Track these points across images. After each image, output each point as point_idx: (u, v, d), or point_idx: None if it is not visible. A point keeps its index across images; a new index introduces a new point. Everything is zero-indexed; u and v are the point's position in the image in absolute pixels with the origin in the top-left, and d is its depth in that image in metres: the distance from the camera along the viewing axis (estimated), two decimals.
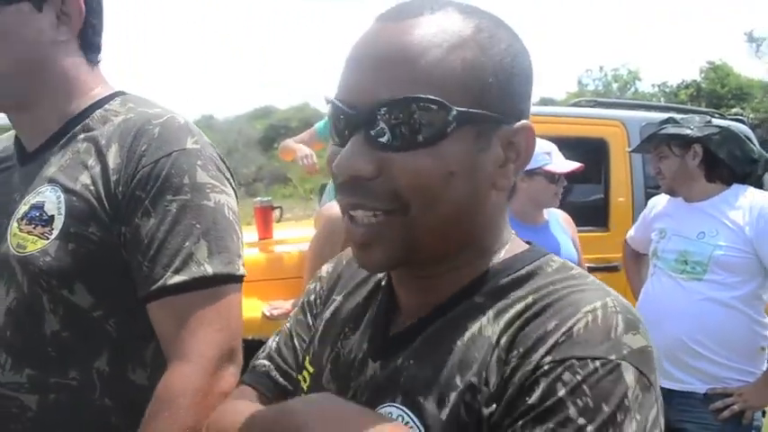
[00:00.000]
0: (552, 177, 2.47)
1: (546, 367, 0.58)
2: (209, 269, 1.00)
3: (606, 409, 0.56)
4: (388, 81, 0.62)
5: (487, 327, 0.64)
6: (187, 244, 1.00)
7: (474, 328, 0.65)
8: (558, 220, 2.68)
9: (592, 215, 3.43)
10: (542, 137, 2.60)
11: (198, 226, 1.01)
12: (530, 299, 0.64)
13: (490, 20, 0.66)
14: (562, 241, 2.57)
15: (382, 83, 0.62)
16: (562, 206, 2.70)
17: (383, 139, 0.62)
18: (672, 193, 2.39)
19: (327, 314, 0.82)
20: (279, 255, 3.01)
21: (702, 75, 24.71)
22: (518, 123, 0.66)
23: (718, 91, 23.37)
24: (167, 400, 0.96)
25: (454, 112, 0.61)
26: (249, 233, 3.42)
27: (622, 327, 0.60)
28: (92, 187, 1.02)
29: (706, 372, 2.19)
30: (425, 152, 0.62)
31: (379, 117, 0.62)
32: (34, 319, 1.03)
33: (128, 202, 1.01)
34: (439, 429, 0.62)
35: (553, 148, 2.52)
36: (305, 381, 0.80)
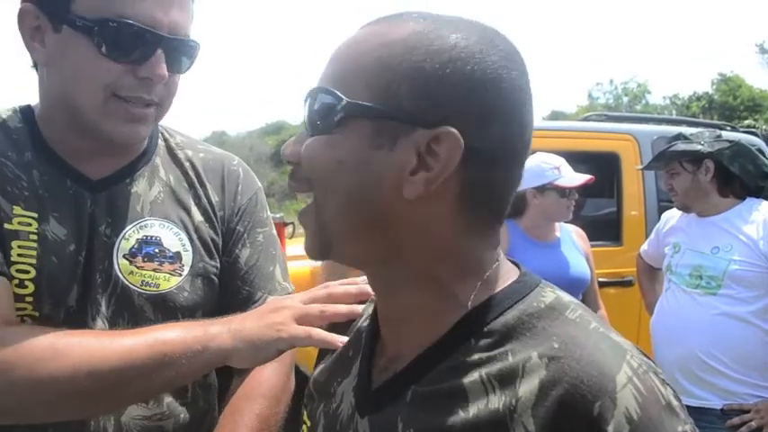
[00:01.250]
0: (563, 192, 2.47)
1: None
2: (288, 285, 1.20)
3: None
4: (321, 77, 0.66)
5: (493, 398, 0.58)
6: (271, 269, 1.18)
7: (477, 398, 0.59)
8: (571, 236, 2.67)
9: (605, 229, 3.41)
10: (554, 151, 2.61)
11: (274, 252, 1.20)
12: (540, 366, 0.58)
13: (440, 25, 0.63)
14: (572, 259, 2.56)
15: (321, 77, 0.66)
16: (574, 221, 2.70)
17: (309, 128, 0.66)
18: (686, 209, 2.38)
19: (320, 367, 0.82)
20: (291, 271, 3.01)
21: (714, 87, 24.64)
22: (439, 128, 0.60)
23: (730, 103, 23.29)
24: (267, 392, 1.10)
25: (343, 102, 0.62)
26: None
27: (661, 387, 0.57)
28: (207, 224, 1.12)
29: (722, 387, 2.17)
30: (321, 139, 0.64)
31: (306, 108, 0.66)
32: None
33: (231, 235, 1.15)
34: None
35: (562, 162, 2.52)
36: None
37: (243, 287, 1.15)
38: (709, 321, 2.17)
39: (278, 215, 3.48)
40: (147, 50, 0.98)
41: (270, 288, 1.16)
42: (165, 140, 1.16)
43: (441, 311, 0.65)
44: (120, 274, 1.04)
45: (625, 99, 30.51)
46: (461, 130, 0.60)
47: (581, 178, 2.49)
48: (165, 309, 1.06)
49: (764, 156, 2.35)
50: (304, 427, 0.80)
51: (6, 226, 0.98)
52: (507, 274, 0.67)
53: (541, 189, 2.50)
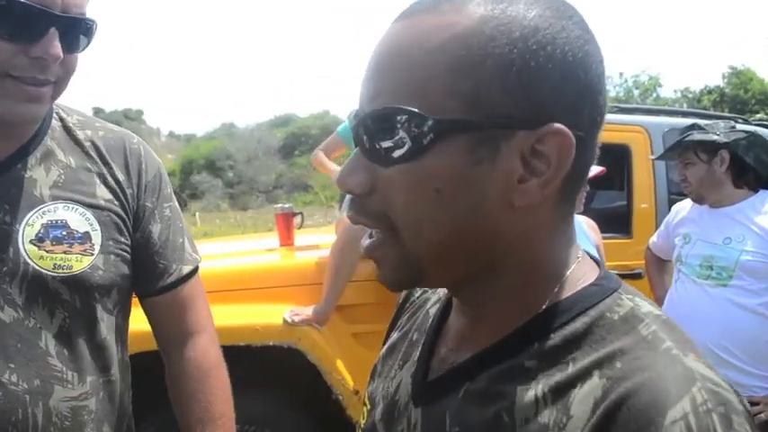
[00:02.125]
0: None
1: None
2: (197, 257, 1.28)
3: None
4: (374, 90, 0.56)
5: (544, 412, 0.54)
6: (181, 240, 1.24)
7: (527, 409, 0.55)
8: (583, 228, 2.66)
9: (615, 222, 3.38)
10: None
11: (180, 224, 1.26)
12: (595, 380, 0.53)
13: (508, 2, 0.54)
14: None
15: (371, 92, 0.57)
16: (586, 212, 2.68)
17: (374, 154, 0.57)
18: (700, 200, 2.36)
19: (387, 345, 0.78)
20: (300, 261, 3.02)
21: (725, 80, 24.45)
22: (544, 127, 0.53)
23: (741, 96, 23.12)
24: (210, 366, 1.24)
25: (430, 122, 0.53)
26: (270, 239, 3.44)
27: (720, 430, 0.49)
28: (115, 202, 1.13)
29: (732, 379, 2.10)
30: (409, 168, 0.55)
31: (367, 129, 0.57)
32: (89, 331, 1.10)
33: (142, 212, 1.18)
34: None
35: None
36: (363, 417, 0.75)
37: (159, 261, 1.20)
38: (719, 313, 2.16)
39: (287, 205, 3.48)
40: (40, 30, 0.97)
41: (182, 259, 1.23)
42: (62, 120, 1.15)
43: (515, 312, 0.60)
44: (29, 261, 1.03)
45: (636, 92, 30.33)
46: (564, 122, 0.54)
47: (593, 170, 2.47)
48: (80, 289, 1.08)
49: None
50: (364, 409, 0.76)
51: None
52: (585, 276, 0.61)
53: None
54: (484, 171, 0.54)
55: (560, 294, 0.59)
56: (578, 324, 0.57)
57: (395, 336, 0.78)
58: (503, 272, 0.59)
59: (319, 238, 3.35)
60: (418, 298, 0.79)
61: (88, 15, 1.03)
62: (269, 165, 29.87)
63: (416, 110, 0.53)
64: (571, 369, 0.55)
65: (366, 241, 0.61)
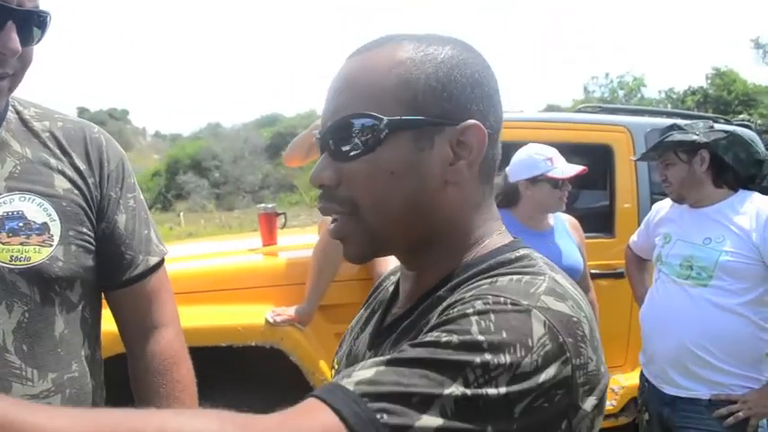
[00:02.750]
0: (556, 183, 2.47)
1: (466, 297, 0.66)
2: (164, 248, 1.27)
3: (505, 336, 0.60)
4: (337, 105, 0.75)
5: (438, 314, 0.69)
6: (146, 232, 1.24)
7: (433, 317, 0.71)
8: (565, 226, 2.67)
9: (597, 222, 3.40)
10: (547, 143, 2.60)
11: (145, 215, 1.25)
12: (469, 294, 0.69)
13: (435, 41, 0.76)
14: (565, 248, 2.55)
15: (334, 107, 0.75)
16: (568, 212, 2.69)
17: (340, 153, 0.74)
18: (680, 200, 2.37)
19: (354, 319, 0.96)
20: (282, 261, 3.00)
21: (709, 81, 24.64)
22: (464, 123, 0.73)
23: (724, 97, 23.31)
24: (175, 359, 1.22)
25: (385, 121, 0.71)
26: (254, 240, 3.42)
27: (544, 288, 0.65)
28: (75, 191, 1.11)
29: (710, 379, 2.17)
30: (366, 159, 0.73)
31: (333, 135, 0.74)
32: (48, 325, 1.07)
33: (106, 202, 1.17)
34: None
35: (555, 153, 2.51)
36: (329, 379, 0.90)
37: (126, 252, 1.20)
38: (699, 312, 2.17)
39: (270, 205, 3.46)
40: None
41: (148, 251, 1.23)
42: (18, 113, 1.14)
43: (446, 269, 0.76)
44: None
45: (621, 93, 30.50)
46: (478, 120, 0.74)
47: (574, 169, 2.48)
48: (39, 281, 1.05)
49: (757, 146, 2.35)
50: (332, 371, 0.91)
51: None
52: (502, 241, 0.78)
53: (534, 180, 2.49)
54: (425, 156, 0.73)
55: (479, 253, 0.77)
56: (484, 265, 0.74)
57: (361, 312, 0.96)
58: (440, 239, 0.77)
59: (302, 239, 3.35)
60: (382, 284, 0.98)
61: (42, 8, 1.03)
62: (255, 165, 29.73)
63: (374, 113, 0.72)
64: (470, 293, 0.68)
65: (331, 225, 0.78)
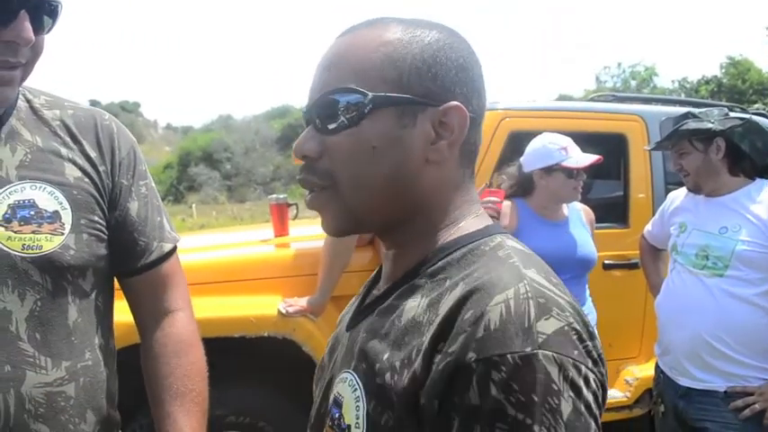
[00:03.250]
0: (570, 172, 2.45)
1: (473, 366, 0.63)
2: (176, 235, 1.28)
3: (537, 399, 0.61)
4: (324, 81, 0.76)
5: (420, 313, 0.71)
6: (159, 219, 1.24)
7: (410, 312, 0.73)
8: (580, 216, 2.65)
9: (611, 211, 3.37)
10: (561, 132, 2.57)
11: (157, 203, 1.25)
12: (459, 287, 0.69)
13: (422, 24, 0.78)
14: (580, 238, 2.53)
15: (321, 83, 0.77)
16: (582, 202, 2.67)
17: (324, 126, 0.75)
18: (697, 189, 2.34)
19: (346, 308, 0.96)
20: (294, 252, 3.00)
21: (723, 70, 24.40)
22: (447, 104, 0.75)
23: (739, 86, 23.08)
24: (190, 342, 1.23)
25: (369, 96, 0.73)
26: (266, 230, 3.42)
27: (534, 314, 0.64)
28: (86, 179, 1.11)
29: (726, 370, 2.15)
30: (349, 132, 0.74)
31: (319, 108, 0.76)
32: (61, 313, 1.08)
33: (118, 189, 1.17)
34: (373, 397, 0.70)
35: (569, 142, 2.49)
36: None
37: (139, 239, 1.20)
38: (714, 303, 2.15)
39: (281, 196, 3.46)
40: (10, 13, 0.97)
41: (162, 237, 1.24)
42: (29, 101, 1.14)
43: (423, 250, 0.78)
44: None
45: (633, 83, 30.26)
46: (461, 103, 0.75)
47: (589, 159, 2.46)
48: (52, 270, 1.06)
49: None
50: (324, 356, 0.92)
51: None
52: (477, 225, 0.79)
53: (548, 170, 2.47)
54: (407, 133, 0.74)
55: (454, 235, 0.77)
56: (457, 253, 0.75)
57: (352, 300, 0.96)
58: (417, 218, 0.78)
59: (314, 230, 3.34)
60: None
61: None
62: (266, 156, 29.78)
63: (360, 88, 0.74)
64: (447, 284, 0.72)
65: (308, 197, 0.79)
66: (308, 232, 3.28)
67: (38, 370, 1.04)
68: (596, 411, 0.64)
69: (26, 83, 1.12)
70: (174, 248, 1.27)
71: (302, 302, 2.63)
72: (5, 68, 1.00)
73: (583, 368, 0.64)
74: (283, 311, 2.60)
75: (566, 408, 0.61)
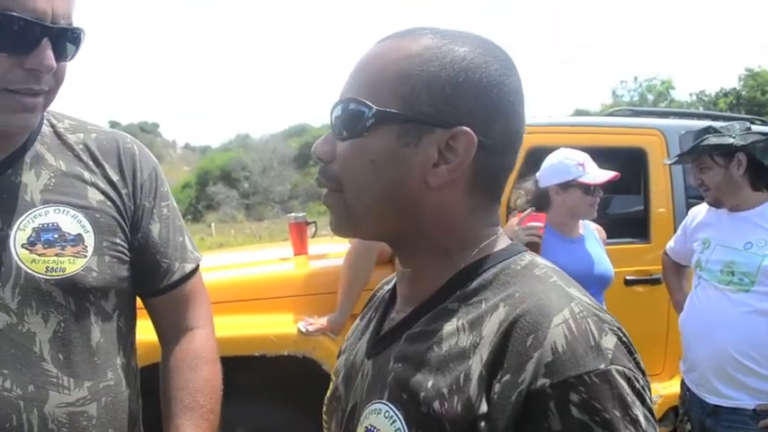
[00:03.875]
0: (587, 189, 2.43)
1: (549, 391, 0.62)
2: (198, 255, 1.30)
3: (618, 414, 0.62)
4: (347, 86, 0.77)
5: (463, 338, 0.70)
6: (181, 239, 1.26)
7: (450, 337, 0.71)
8: (594, 234, 2.63)
9: (632, 227, 3.35)
10: (579, 147, 2.56)
11: (179, 223, 1.27)
12: (501, 309, 0.69)
13: (454, 40, 0.75)
14: (596, 255, 2.51)
15: (345, 87, 0.77)
16: (601, 217, 2.64)
17: (337, 132, 0.76)
18: (718, 204, 2.32)
19: (351, 329, 0.95)
20: (314, 270, 3.00)
21: (741, 82, 24.22)
22: (455, 128, 0.72)
23: (758, 98, 22.88)
24: (207, 358, 1.24)
25: (373, 110, 0.72)
26: (284, 249, 3.43)
27: (596, 331, 0.65)
28: (108, 203, 1.13)
29: (754, 387, 2.11)
30: (353, 142, 0.74)
31: (334, 114, 0.77)
32: (84, 334, 1.09)
33: (139, 211, 1.19)
34: (419, 427, 0.68)
35: (586, 158, 2.47)
36: (329, 390, 0.91)
37: (162, 260, 1.22)
38: (741, 318, 2.12)
39: (300, 214, 3.47)
40: (33, 41, 0.98)
41: (184, 258, 1.25)
42: (53, 126, 1.16)
43: (443, 273, 0.77)
44: (21, 265, 1.04)
45: (650, 97, 30.11)
46: (473, 128, 0.72)
47: (606, 175, 2.44)
48: (75, 292, 1.07)
49: None
50: (332, 383, 0.90)
51: None
52: (499, 245, 0.78)
53: (565, 186, 2.45)
54: (408, 153, 0.73)
55: (476, 256, 0.76)
56: (488, 274, 0.74)
57: (357, 322, 0.95)
58: (428, 235, 0.77)
59: (333, 247, 3.34)
60: (377, 293, 0.97)
61: (75, 24, 1.04)
62: (284, 175, 29.95)
63: (366, 101, 0.73)
64: (484, 306, 0.71)
65: (324, 194, 0.80)
66: (327, 250, 3.29)
67: (61, 390, 1.05)
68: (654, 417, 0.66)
69: (59, 106, 1.16)
70: (197, 268, 1.28)
71: (322, 321, 2.62)
72: (29, 96, 1.01)
73: (640, 378, 0.65)
74: (303, 330, 2.60)
75: (641, 418, 0.63)
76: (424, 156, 0.73)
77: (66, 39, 1.03)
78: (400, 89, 0.72)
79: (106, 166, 1.16)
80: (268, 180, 29.50)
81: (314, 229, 3.74)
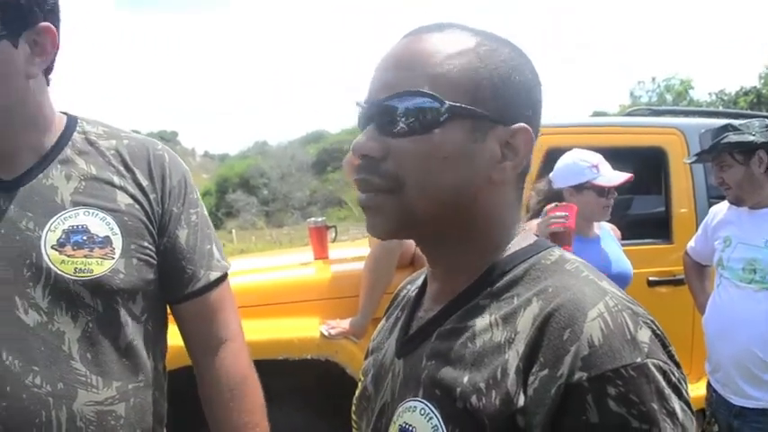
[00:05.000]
0: (601, 191, 2.40)
1: (586, 385, 0.62)
2: (226, 264, 1.28)
3: (656, 407, 0.62)
4: (396, 79, 0.73)
5: (497, 333, 0.70)
6: (208, 247, 1.25)
7: (484, 333, 0.71)
8: (610, 233, 2.61)
9: (654, 227, 3.32)
10: (597, 148, 2.55)
11: (207, 230, 1.26)
12: (534, 304, 0.69)
13: (494, 38, 0.76)
14: (613, 253, 2.49)
15: (391, 81, 0.74)
16: (622, 218, 2.63)
17: (390, 128, 0.73)
18: (739, 202, 2.30)
19: (377, 329, 0.95)
20: (335, 274, 3.01)
21: (762, 80, 23.92)
22: (515, 125, 0.74)
23: None
24: (243, 374, 1.25)
25: (447, 105, 0.71)
26: (305, 253, 3.45)
27: (632, 324, 0.65)
28: (136, 206, 1.15)
29: None
30: (422, 138, 0.72)
31: (386, 109, 0.73)
32: (112, 336, 1.11)
33: (167, 217, 1.20)
34: (456, 423, 0.68)
35: (600, 159, 2.44)
36: (357, 390, 0.91)
37: (187, 266, 1.22)
38: (764, 316, 2.10)
39: (320, 219, 3.49)
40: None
41: (210, 265, 1.24)
42: (85, 133, 1.19)
43: (474, 270, 0.76)
44: (51, 265, 1.06)
45: (668, 97, 29.83)
46: (527, 125, 0.74)
47: (620, 177, 2.41)
48: (102, 293, 1.09)
49: None
50: (360, 384, 0.89)
51: None
52: (526, 241, 0.79)
53: (579, 188, 2.42)
54: (477, 149, 0.73)
55: (506, 252, 0.77)
56: (519, 270, 0.74)
57: (382, 323, 0.94)
58: (475, 233, 0.76)
59: (354, 251, 3.36)
60: (400, 293, 0.96)
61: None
62: (302, 181, 30.09)
63: (435, 93, 0.71)
64: (516, 301, 0.71)
65: (363, 195, 0.76)
66: (348, 254, 3.30)
67: (89, 388, 1.08)
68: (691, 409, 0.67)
69: (85, 114, 1.21)
70: (223, 276, 1.27)
71: (344, 324, 2.63)
72: None
73: (675, 372, 0.66)
74: (326, 333, 2.61)
75: (678, 410, 0.64)
76: (490, 152, 0.73)
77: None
78: (465, 84, 0.72)
79: (136, 171, 1.18)
80: (287, 186, 29.65)
81: (334, 234, 3.76)
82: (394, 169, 0.73)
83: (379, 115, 0.74)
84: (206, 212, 1.29)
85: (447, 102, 0.71)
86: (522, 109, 0.75)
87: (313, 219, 3.50)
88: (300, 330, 2.64)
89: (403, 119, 0.72)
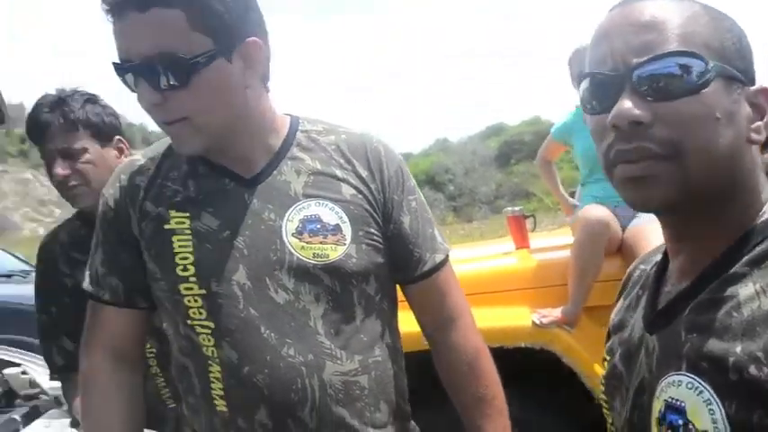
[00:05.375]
0: None
1: None
2: (447, 246, 1.34)
3: None
4: (642, 44, 0.71)
5: (765, 301, 0.65)
6: (430, 230, 1.32)
7: (751, 301, 0.66)
8: None
9: None
10: None
11: (427, 215, 1.33)
12: None
13: (707, 5, 0.75)
14: None
15: (636, 45, 0.71)
16: None
17: (651, 91, 0.70)
18: None
19: (615, 310, 0.94)
20: (540, 263, 2.96)
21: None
22: (759, 85, 0.73)
23: None
24: (477, 350, 1.31)
25: (711, 64, 0.69)
26: (504, 244, 3.43)
27: None
28: (360, 196, 1.24)
29: None
30: (692, 99, 0.69)
31: (640, 73, 0.70)
32: (350, 314, 1.21)
33: (390, 204, 1.27)
34: (732, 396, 0.64)
35: None
36: (603, 368, 0.91)
37: (414, 250, 1.28)
38: None
39: (517, 208, 3.45)
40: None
41: (434, 248, 1.31)
42: (306, 131, 1.28)
43: (726, 239, 0.73)
44: (293, 251, 1.17)
45: None
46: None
47: None
48: (339, 276, 1.19)
49: None
50: (605, 362, 0.90)
51: (165, 226, 1.20)
52: None
53: None
54: (737, 108, 0.71)
55: (760, 219, 0.73)
56: None
57: (620, 303, 0.92)
58: (735, 197, 0.73)
59: (555, 240, 3.28)
60: (632, 274, 0.94)
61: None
62: (487, 175, 29.99)
63: (698, 53, 0.70)
64: None
65: (634, 166, 0.71)
66: (550, 243, 3.24)
67: (335, 360, 1.17)
68: None
69: (305, 114, 1.31)
70: (446, 258, 1.34)
71: (556, 313, 2.58)
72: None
73: None
74: (537, 322, 2.58)
75: None
76: (745, 112, 0.72)
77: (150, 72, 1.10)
78: (713, 43, 0.71)
79: (356, 163, 1.26)
80: (472, 181, 29.72)
81: (533, 223, 3.69)
82: (668, 134, 0.70)
83: (635, 81, 0.71)
84: (423, 198, 1.36)
85: (711, 61, 0.70)
86: (754, 69, 0.75)
87: (510, 208, 3.46)
88: (511, 319, 2.63)
89: (670, 80, 0.70)
